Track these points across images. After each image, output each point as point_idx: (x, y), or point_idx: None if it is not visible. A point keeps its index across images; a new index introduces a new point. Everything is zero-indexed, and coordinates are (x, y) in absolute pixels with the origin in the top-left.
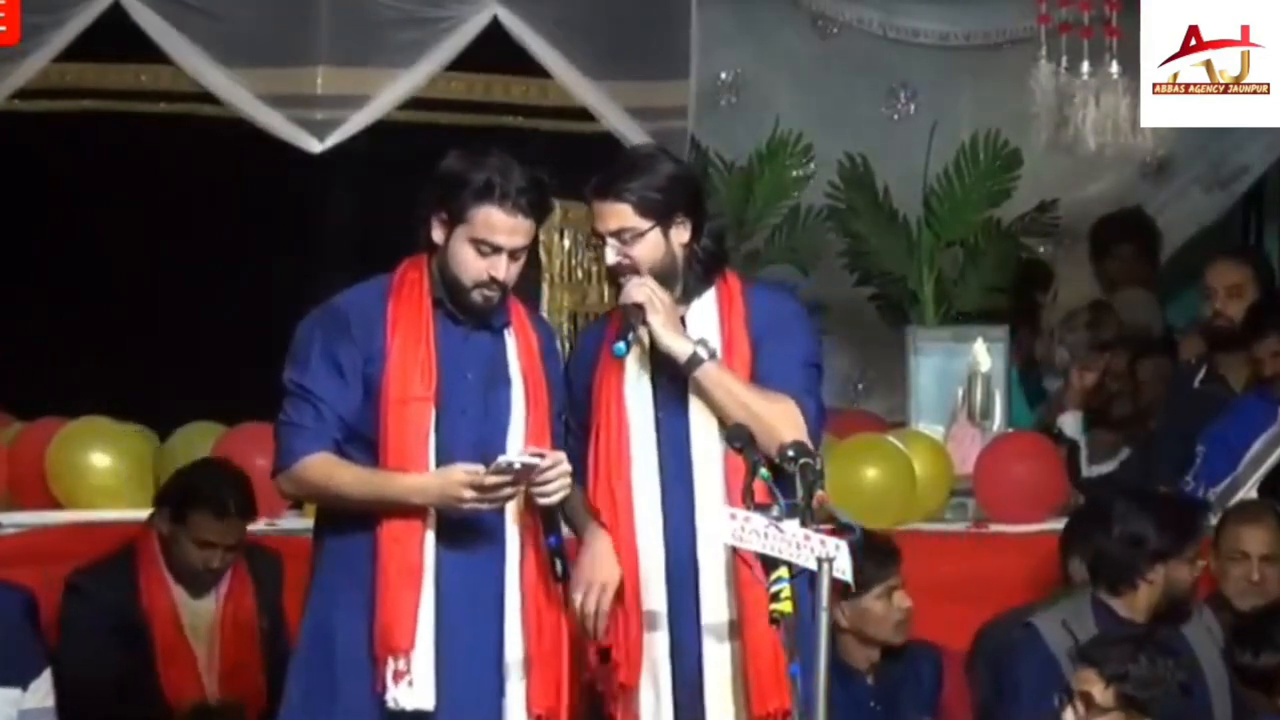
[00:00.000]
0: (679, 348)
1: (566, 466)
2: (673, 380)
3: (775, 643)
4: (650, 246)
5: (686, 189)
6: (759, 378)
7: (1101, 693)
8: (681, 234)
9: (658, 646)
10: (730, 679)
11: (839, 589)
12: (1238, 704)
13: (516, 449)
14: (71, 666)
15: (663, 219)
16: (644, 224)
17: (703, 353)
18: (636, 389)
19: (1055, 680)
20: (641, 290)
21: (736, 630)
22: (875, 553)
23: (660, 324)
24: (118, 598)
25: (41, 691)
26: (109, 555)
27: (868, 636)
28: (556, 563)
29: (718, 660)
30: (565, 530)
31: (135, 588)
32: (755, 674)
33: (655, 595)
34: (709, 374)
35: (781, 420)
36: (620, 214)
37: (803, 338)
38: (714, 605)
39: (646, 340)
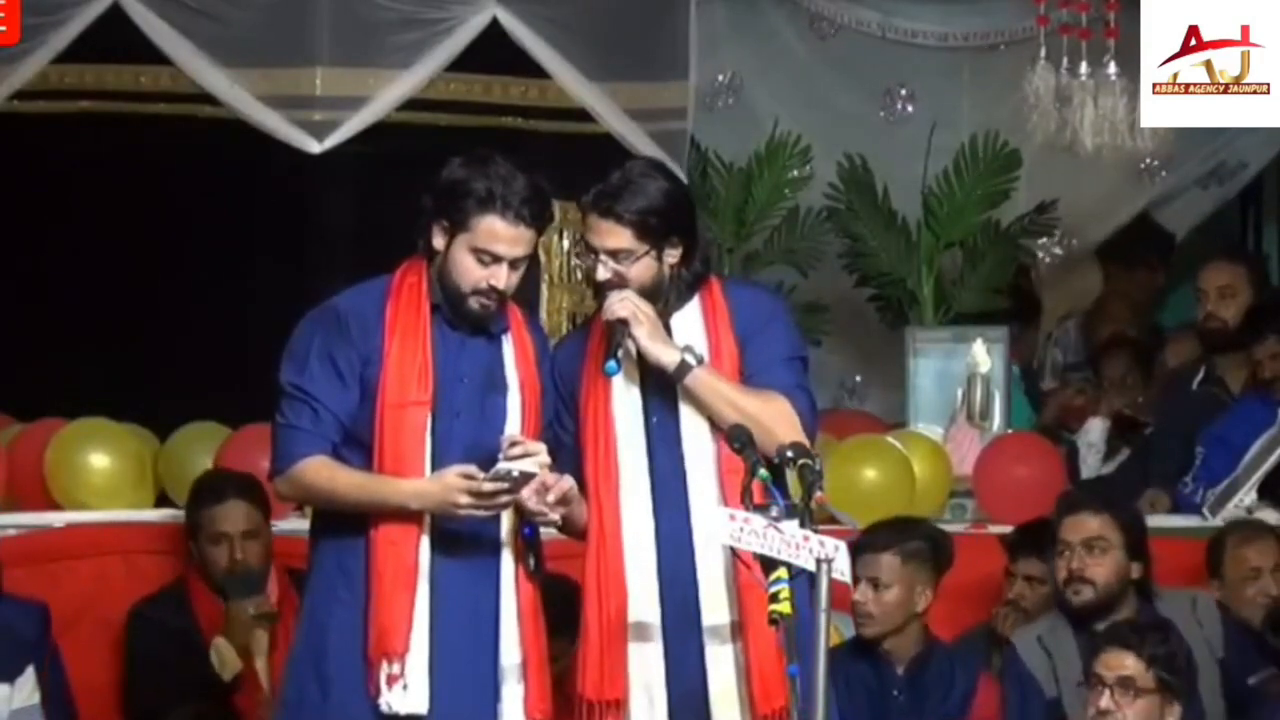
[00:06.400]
0: (667, 358)
1: (546, 459)
2: (662, 385)
3: (778, 640)
4: (643, 267)
5: (683, 212)
6: (747, 375)
7: (1142, 675)
8: (673, 255)
9: (650, 658)
10: (735, 680)
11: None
12: (1231, 702)
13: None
14: (143, 692)
15: (659, 243)
16: (641, 247)
17: (690, 360)
18: (625, 398)
19: (1035, 696)
20: (625, 305)
21: (739, 631)
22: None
23: (646, 335)
24: (179, 622)
25: (27, 689)
26: (163, 587)
27: None
28: (530, 558)
29: (721, 662)
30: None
31: (192, 611)
32: (759, 673)
33: (646, 607)
34: (699, 380)
35: (776, 419)
36: (619, 235)
37: (786, 332)
38: (715, 608)
39: (634, 350)
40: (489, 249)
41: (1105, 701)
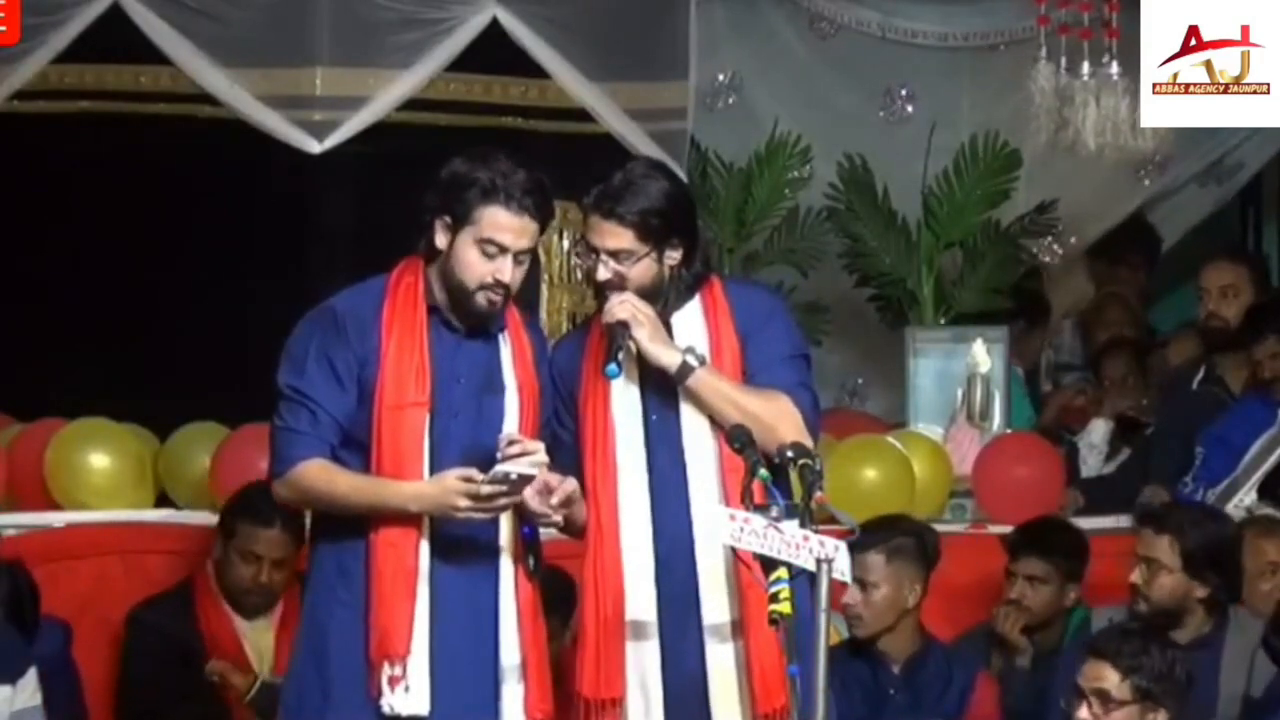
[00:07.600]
0: (668, 359)
1: (544, 458)
2: (661, 384)
3: (779, 639)
4: (644, 268)
5: (683, 212)
6: (749, 374)
7: (1117, 686)
8: (674, 256)
9: (647, 656)
10: (735, 678)
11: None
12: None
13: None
14: (138, 696)
15: (660, 243)
16: (643, 248)
17: (692, 361)
18: (624, 397)
19: None
20: (624, 307)
21: (740, 629)
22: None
23: (647, 338)
24: (179, 627)
25: (29, 690)
26: (166, 590)
27: None
28: (529, 557)
29: (722, 661)
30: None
31: (194, 617)
32: (759, 672)
33: (643, 605)
34: (701, 380)
35: (779, 418)
36: (620, 236)
37: (786, 330)
38: (715, 606)
39: (634, 350)
40: (494, 239)
41: (1084, 713)
